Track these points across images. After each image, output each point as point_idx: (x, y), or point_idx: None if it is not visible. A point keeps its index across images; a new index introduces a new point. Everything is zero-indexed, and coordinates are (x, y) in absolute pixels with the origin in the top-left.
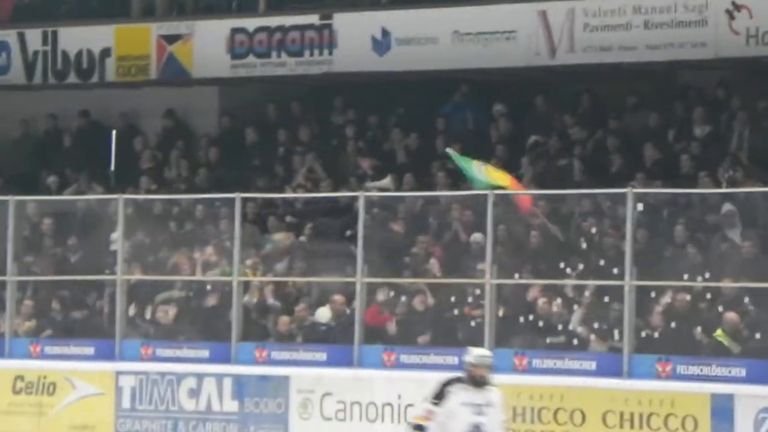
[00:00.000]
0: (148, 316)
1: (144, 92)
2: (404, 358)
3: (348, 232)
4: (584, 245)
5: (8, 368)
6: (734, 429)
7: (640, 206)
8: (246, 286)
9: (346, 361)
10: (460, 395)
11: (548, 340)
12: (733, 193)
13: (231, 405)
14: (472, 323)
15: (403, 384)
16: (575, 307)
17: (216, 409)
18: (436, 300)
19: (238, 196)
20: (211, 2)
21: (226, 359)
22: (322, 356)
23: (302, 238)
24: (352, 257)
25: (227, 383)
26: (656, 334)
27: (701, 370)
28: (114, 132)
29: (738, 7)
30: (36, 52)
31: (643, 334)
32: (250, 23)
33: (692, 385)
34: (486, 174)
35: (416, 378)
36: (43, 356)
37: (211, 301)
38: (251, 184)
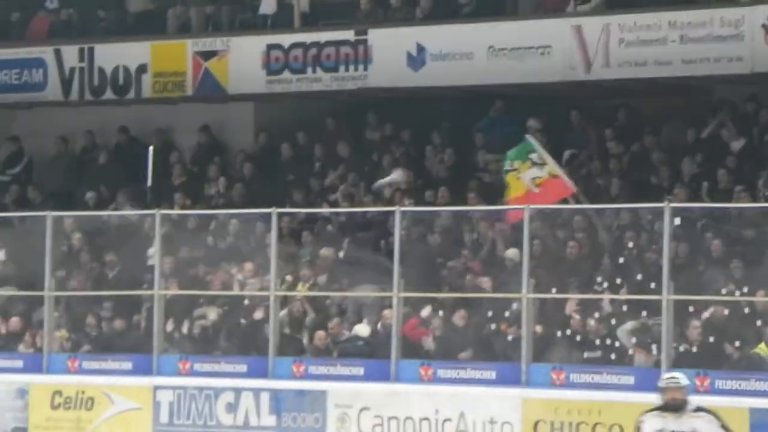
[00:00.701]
0: (185, 331)
1: (180, 108)
2: (441, 373)
3: (382, 242)
4: (622, 260)
5: (47, 383)
6: None
7: (677, 220)
8: (283, 301)
9: (383, 376)
10: (652, 423)
11: (585, 355)
12: None
13: (268, 419)
14: (509, 337)
15: (440, 399)
16: (612, 321)
17: (253, 423)
18: (473, 315)
19: (274, 211)
20: (247, 18)
21: (263, 374)
22: (359, 371)
23: (339, 253)
24: (389, 272)
25: (265, 398)
26: (694, 349)
27: (739, 385)
28: (150, 148)
29: None
30: (72, 69)
31: (681, 348)
32: (286, 39)
33: (731, 400)
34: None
35: (453, 393)
36: (81, 371)
37: (250, 315)
38: (287, 200)
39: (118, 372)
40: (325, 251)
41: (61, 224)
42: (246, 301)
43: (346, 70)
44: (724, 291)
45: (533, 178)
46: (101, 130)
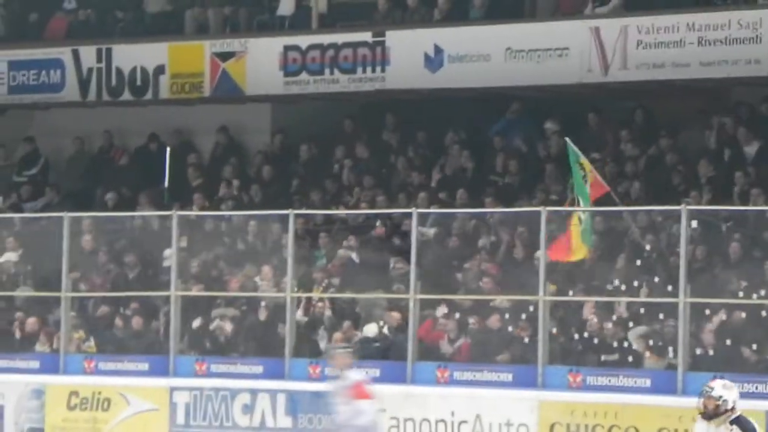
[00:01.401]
0: (202, 332)
1: (198, 109)
2: (458, 375)
3: (397, 241)
4: (639, 262)
5: (63, 384)
6: None
7: (694, 223)
8: (299, 302)
9: (399, 378)
10: (699, 426)
11: (602, 358)
12: None
13: (285, 421)
14: (526, 340)
15: (456, 401)
16: (630, 324)
17: (270, 425)
18: (489, 317)
19: (291, 212)
20: (265, 20)
21: (279, 375)
22: (375, 372)
23: (354, 255)
24: (405, 273)
25: (281, 399)
26: (711, 352)
27: (756, 388)
28: (168, 149)
29: None
30: (90, 70)
31: (698, 351)
32: (303, 41)
33: (747, 403)
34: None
35: (470, 395)
36: (98, 372)
37: (267, 317)
38: (304, 201)
39: (135, 373)
40: (342, 252)
41: (79, 225)
42: (263, 303)
43: (364, 71)
44: (741, 294)
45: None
46: (119, 131)
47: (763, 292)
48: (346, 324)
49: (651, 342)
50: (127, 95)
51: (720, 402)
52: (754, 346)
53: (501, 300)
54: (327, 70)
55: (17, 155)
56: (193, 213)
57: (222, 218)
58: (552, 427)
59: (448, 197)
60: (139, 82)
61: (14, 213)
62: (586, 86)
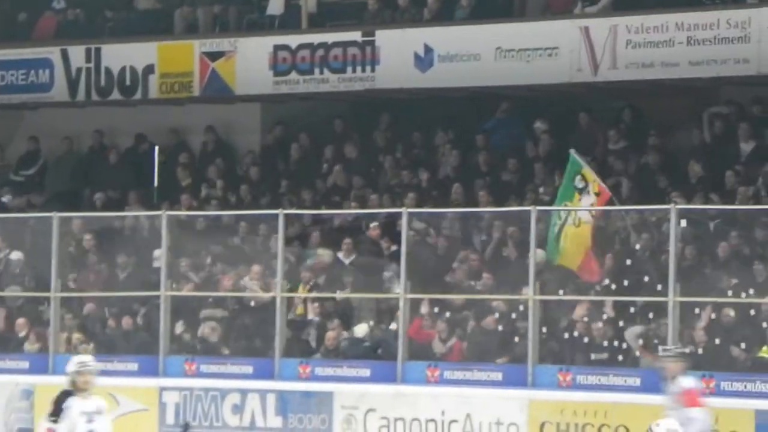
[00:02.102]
0: (192, 332)
1: (187, 109)
2: (448, 374)
3: (393, 248)
4: (628, 261)
5: (53, 384)
6: None
7: (683, 222)
8: (290, 302)
9: (390, 377)
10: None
11: (592, 357)
12: None
13: (275, 421)
14: (516, 339)
15: (446, 400)
16: (620, 323)
17: (260, 425)
18: (479, 316)
19: (281, 212)
20: (254, 19)
21: (269, 375)
22: (365, 372)
23: (343, 255)
24: (396, 273)
25: (271, 399)
26: (700, 350)
27: (745, 387)
28: (157, 149)
29: None
30: (79, 69)
31: (687, 350)
32: (293, 40)
33: (736, 402)
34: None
35: (460, 394)
36: None
37: (257, 317)
38: (294, 201)
39: (124, 373)
40: (323, 252)
41: (69, 225)
42: (252, 303)
43: (354, 71)
44: (730, 293)
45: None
46: (108, 131)
47: (752, 291)
48: (334, 323)
49: (641, 341)
50: (116, 95)
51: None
52: (743, 345)
53: (492, 300)
54: (317, 70)
55: (9, 154)
56: (182, 213)
57: (211, 218)
58: (542, 426)
59: (439, 196)
60: (128, 82)
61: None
62: (576, 86)
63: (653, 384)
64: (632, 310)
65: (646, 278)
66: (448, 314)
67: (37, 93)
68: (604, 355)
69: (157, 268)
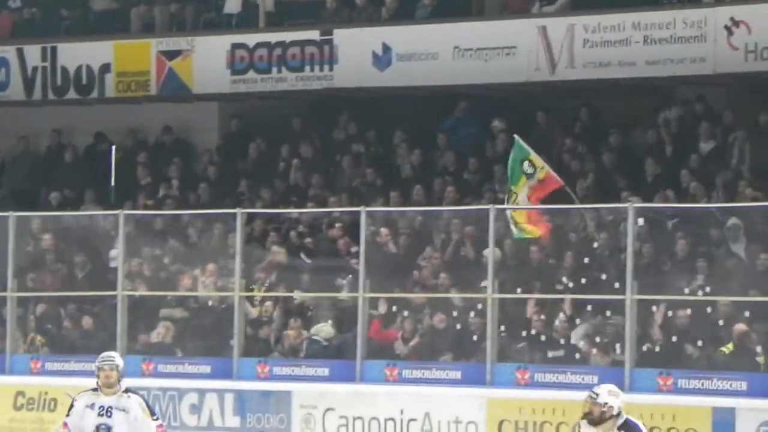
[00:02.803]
0: (149, 332)
1: (144, 108)
2: (407, 373)
3: (354, 249)
4: (586, 260)
5: (9, 384)
6: None
7: (640, 221)
8: (248, 302)
9: (348, 376)
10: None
11: (549, 354)
12: (737, 207)
13: (233, 420)
14: (474, 337)
15: (405, 399)
16: (577, 321)
17: (218, 424)
18: (437, 315)
19: (239, 211)
20: (211, 18)
21: (227, 375)
22: (324, 371)
23: (303, 254)
24: (355, 272)
25: (229, 399)
26: (657, 348)
27: (702, 384)
28: (113, 148)
29: (737, 23)
30: (35, 68)
31: (644, 347)
32: (251, 39)
33: (693, 399)
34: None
35: (418, 393)
36: (44, 372)
37: (215, 316)
38: (252, 200)
39: (82, 373)
40: (277, 250)
41: (26, 225)
42: (210, 303)
43: (312, 70)
44: (687, 291)
45: (529, 190)
46: (66, 130)
47: (708, 289)
48: (295, 324)
49: (597, 339)
50: (72, 94)
51: (605, 408)
52: (699, 343)
53: (450, 298)
54: (275, 69)
55: None
56: (139, 212)
57: (169, 217)
58: (500, 424)
59: (400, 196)
60: (84, 81)
61: None
62: (534, 85)
63: (610, 382)
64: (589, 308)
65: (604, 276)
66: (406, 313)
67: None
68: (560, 353)
69: (114, 268)
